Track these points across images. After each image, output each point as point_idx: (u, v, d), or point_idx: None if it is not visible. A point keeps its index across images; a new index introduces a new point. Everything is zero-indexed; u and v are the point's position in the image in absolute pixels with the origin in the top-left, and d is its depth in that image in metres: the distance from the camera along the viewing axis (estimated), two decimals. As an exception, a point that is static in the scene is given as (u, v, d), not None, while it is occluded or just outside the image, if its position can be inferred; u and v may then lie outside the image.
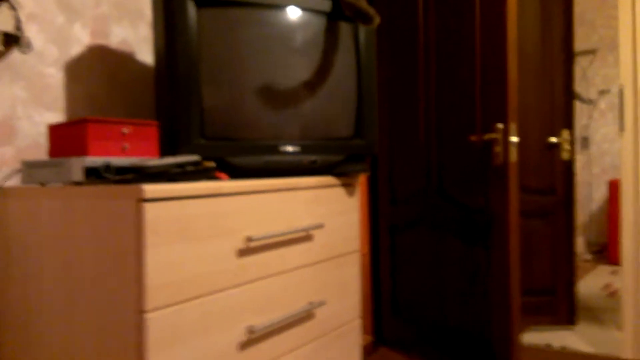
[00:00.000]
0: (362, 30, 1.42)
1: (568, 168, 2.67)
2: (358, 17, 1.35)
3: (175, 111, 1.20)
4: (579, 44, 3.77)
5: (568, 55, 3.03)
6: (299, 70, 1.34)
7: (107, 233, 0.90)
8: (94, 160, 1.00)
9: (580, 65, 4.12)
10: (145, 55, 1.48)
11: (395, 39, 2.33)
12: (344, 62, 1.40)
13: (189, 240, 0.93)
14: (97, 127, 1.04)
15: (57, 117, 1.28)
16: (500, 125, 1.81)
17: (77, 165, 0.99)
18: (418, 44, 2.21)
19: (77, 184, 1.00)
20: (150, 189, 0.87)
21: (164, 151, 1.19)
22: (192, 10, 1.23)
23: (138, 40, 1.46)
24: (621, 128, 2.16)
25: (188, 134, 1.20)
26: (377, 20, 1.34)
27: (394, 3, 2.34)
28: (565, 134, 2.61)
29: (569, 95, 2.79)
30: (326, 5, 1.38)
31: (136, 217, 0.86)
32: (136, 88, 1.45)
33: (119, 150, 1.07)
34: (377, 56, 2.39)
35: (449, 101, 2.08)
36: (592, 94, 4.11)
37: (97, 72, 1.36)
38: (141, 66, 1.47)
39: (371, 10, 1.33)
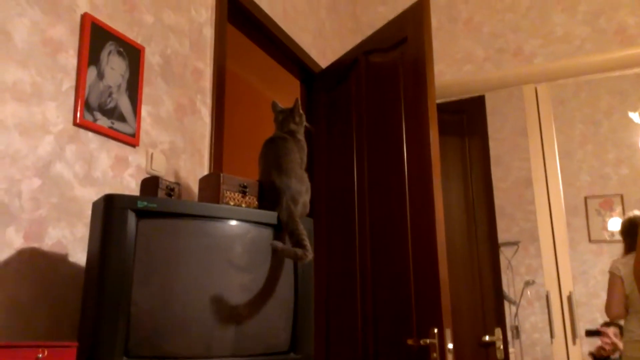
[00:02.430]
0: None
1: (503, 365, 2.67)
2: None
3: (98, 326, 1.14)
4: (502, 236, 4.05)
5: (493, 247, 3.21)
6: (234, 283, 1.33)
7: None
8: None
9: (505, 255, 4.39)
10: (81, 255, 1.44)
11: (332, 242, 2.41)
12: (281, 275, 1.41)
13: None
14: (7, 353, 0.96)
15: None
16: (435, 330, 1.83)
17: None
18: (354, 244, 2.30)
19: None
20: None
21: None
22: (132, 220, 1.24)
23: (74, 240, 1.43)
24: (552, 335, 2.23)
25: (110, 354, 1.13)
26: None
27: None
28: (498, 332, 2.66)
29: (498, 290, 2.91)
30: (267, 219, 1.44)
31: None
32: (65, 293, 1.38)
33: (31, 377, 0.97)
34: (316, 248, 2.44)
35: (385, 300, 2.10)
36: (517, 283, 4.33)
37: (25, 276, 1.30)
38: (73, 269, 1.42)
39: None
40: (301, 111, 1.78)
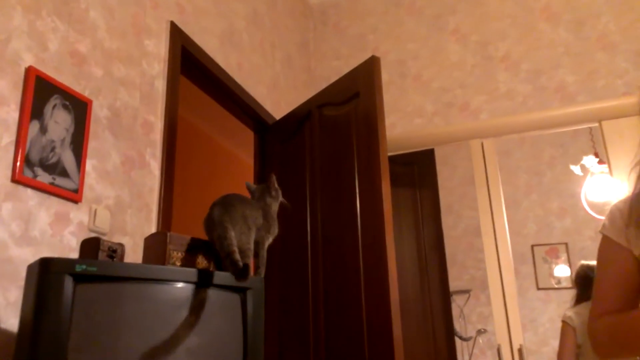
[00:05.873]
0: (250, 298, 1.42)
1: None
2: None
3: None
4: (453, 284, 4.10)
5: (444, 295, 3.23)
6: (180, 348, 1.27)
7: None
8: None
9: (457, 303, 4.44)
10: (13, 321, 1.34)
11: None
12: (230, 337, 1.36)
13: None
14: None
15: None
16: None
17: None
18: (307, 301, 2.25)
19: None
20: None
21: None
22: (69, 285, 1.16)
23: (7, 305, 1.34)
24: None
25: None
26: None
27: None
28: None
29: (450, 340, 2.91)
30: (216, 280, 1.39)
31: None
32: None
33: None
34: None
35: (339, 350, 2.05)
36: (470, 331, 4.36)
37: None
38: (5, 337, 1.32)
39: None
40: (277, 186, 1.73)
